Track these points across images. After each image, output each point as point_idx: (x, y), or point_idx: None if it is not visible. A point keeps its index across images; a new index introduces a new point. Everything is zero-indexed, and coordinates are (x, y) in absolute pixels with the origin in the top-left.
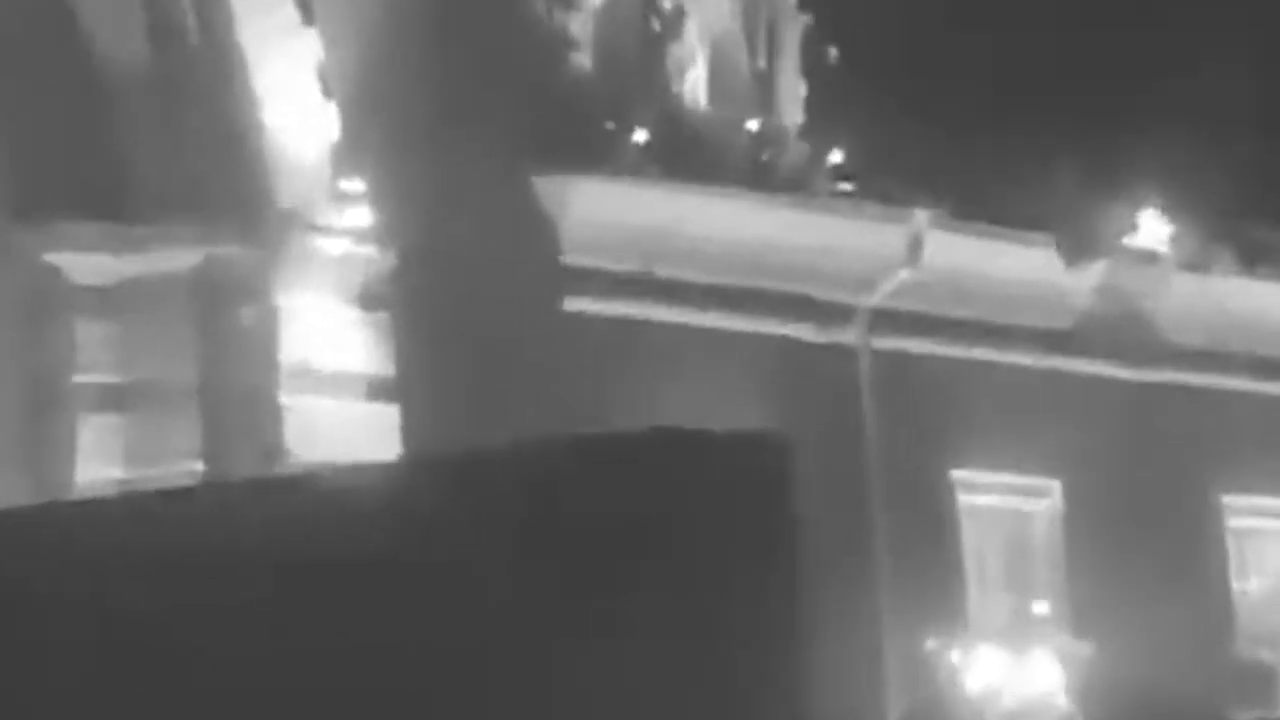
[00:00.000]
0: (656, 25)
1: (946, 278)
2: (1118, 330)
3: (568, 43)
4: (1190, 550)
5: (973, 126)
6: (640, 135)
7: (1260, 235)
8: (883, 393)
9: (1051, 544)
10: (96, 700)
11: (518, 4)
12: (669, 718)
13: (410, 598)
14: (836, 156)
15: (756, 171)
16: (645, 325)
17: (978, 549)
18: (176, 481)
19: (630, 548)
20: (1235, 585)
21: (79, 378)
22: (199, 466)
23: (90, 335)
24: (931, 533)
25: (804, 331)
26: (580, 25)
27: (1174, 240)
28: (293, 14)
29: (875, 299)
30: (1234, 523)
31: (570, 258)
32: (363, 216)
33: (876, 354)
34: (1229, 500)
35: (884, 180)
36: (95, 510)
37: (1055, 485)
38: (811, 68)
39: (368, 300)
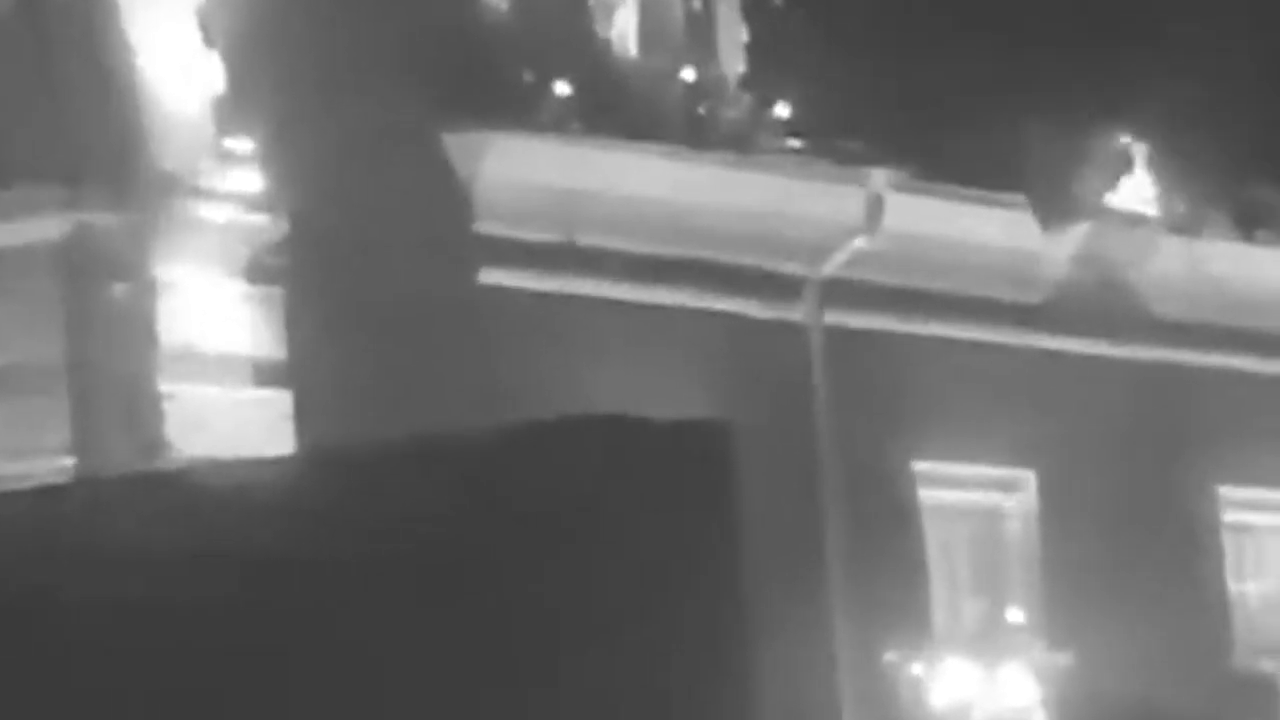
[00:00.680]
0: None
1: (908, 245)
2: (1100, 302)
3: None
4: (1182, 549)
5: (937, 76)
6: (563, 87)
7: (1258, 195)
8: (837, 374)
9: (1026, 543)
10: None
11: None
12: None
13: (303, 602)
14: (783, 110)
15: (693, 127)
16: (570, 300)
17: (943, 549)
18: (43, 478)
19: (559, 545)
20: (1232, 587)
21: None
22: (68, 461)
23: None
24: (892, 531)
25: (748, 306)
26: None
27: (1161, 201)
28: None
29: (828, 269)
30: (1231, 517)
31: (485, 225)
32: (250, 180)
33: (830, 331)
34: (1226, 492)
35: (837, 136)
36: None
37: (1030, 477)
38: (754, 9)
39: (256, 274)
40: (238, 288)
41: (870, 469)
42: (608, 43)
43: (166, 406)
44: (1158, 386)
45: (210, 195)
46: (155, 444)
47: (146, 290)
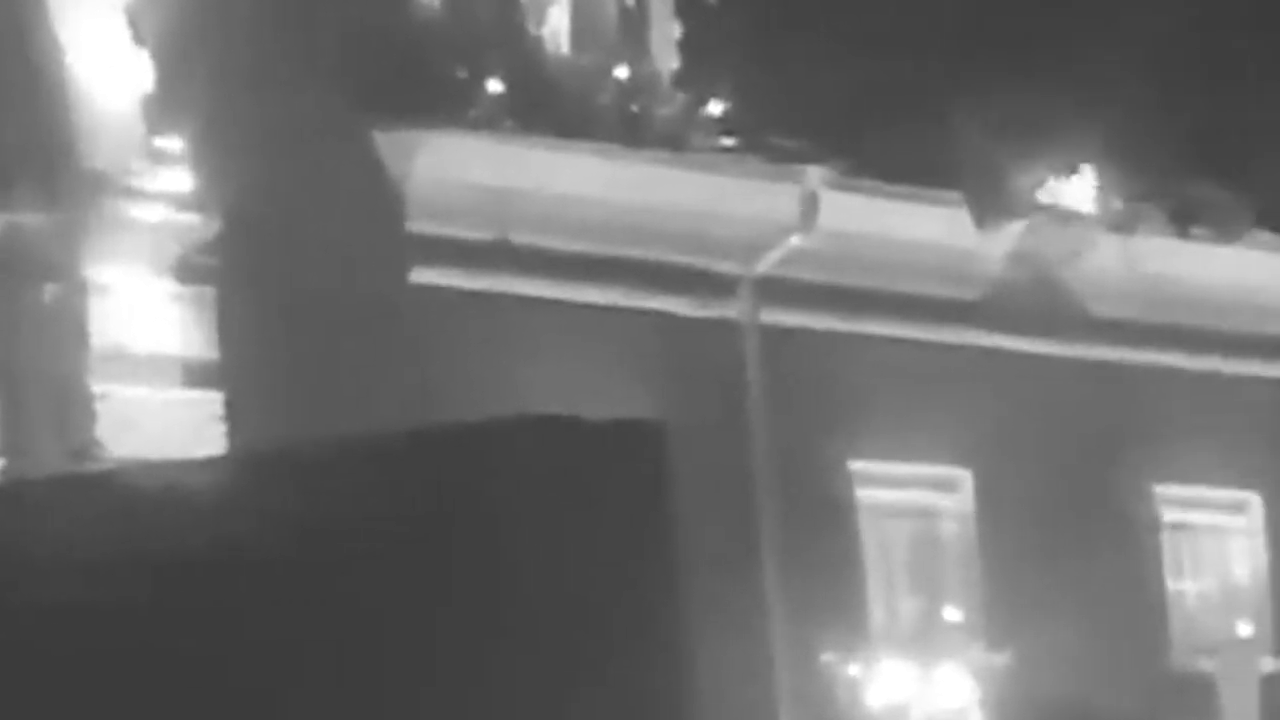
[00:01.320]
0: None
1: (843, 243)
2: (1036, 300)
3: None
4: (1120, 548)
5: (872, 73)
6: (495, 85)
7: (1194, 192)
8: (772, 373)
9: (963, 543)
10: None
11: None
12: None
13: (235, 604)
14: (717, 107)
15: (626, 125)
16: (504, 299)
17: (880, 549)
18: None
19: (492, 545)
20: (1170, 586)
21: None
22: None
23: None
24: (828, 531)
25: (683, 305)
26: None
27: (1098, 199)
28: None
29: (763, 268)
30: (1169, 516)
31: (417, 223)
32: (181, 179)
33: (764, 330)
34: (1163, 491)
35: (771, 134)
36: None
37: (966, 477)
38: (687, 7)
39: (187, 274)
40: (169, 287)
41: (806, 468)
42: (540, 40)
43: (98, 407)
44: (1095, 385)
45: (140, 195)
46: (86, 445)
47: (77, 290)
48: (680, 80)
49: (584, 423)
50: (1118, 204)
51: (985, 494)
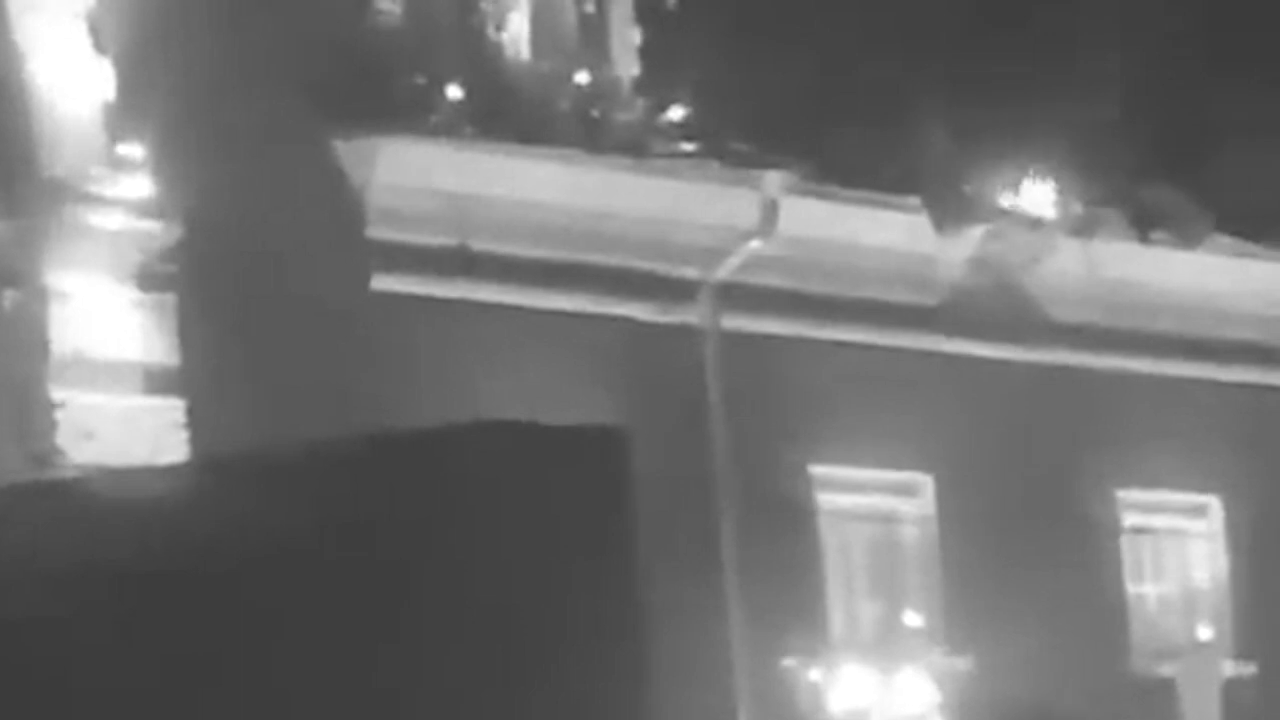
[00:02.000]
0: None
1: (803, 248)
2: (996, 305)
3: None
4: (1081, 552)
5: (832, 78)
6: (455, 91)
7: (1154, 196)
8: (732, 379)
9: (924, 547)
10: None
11: None
12: None
13: (196, 611)
14: (677, 113)
15: (587, 130)
16: (464, 306)
17: (841, 553)
18: None
19: (451, 551)
20: (1131, 591)
21: None
22: None
23: None
24: (788, 536)
25: (643, 311)
26: None
27: (1058, 204)
28: None
29: (723, 273)
30: (1130, 520)
31: (378, 230)
32: (142, 186)
33: (725, 335)
34: (1124, 495)
35: (732, 140)
36: None
37: (927, 481)
38: (647, 12)
39: (148, 280)
40: (130, 294)
41: (767, 473)
42: (499, 46)
43: (58, 414)
44: (1055, 389)
45: (101, 201)
46: (47, 452)
47: (37, 297)
48: (641, 85)
49: (544, 428)
50: (1078, 209)
51: (946, 499)
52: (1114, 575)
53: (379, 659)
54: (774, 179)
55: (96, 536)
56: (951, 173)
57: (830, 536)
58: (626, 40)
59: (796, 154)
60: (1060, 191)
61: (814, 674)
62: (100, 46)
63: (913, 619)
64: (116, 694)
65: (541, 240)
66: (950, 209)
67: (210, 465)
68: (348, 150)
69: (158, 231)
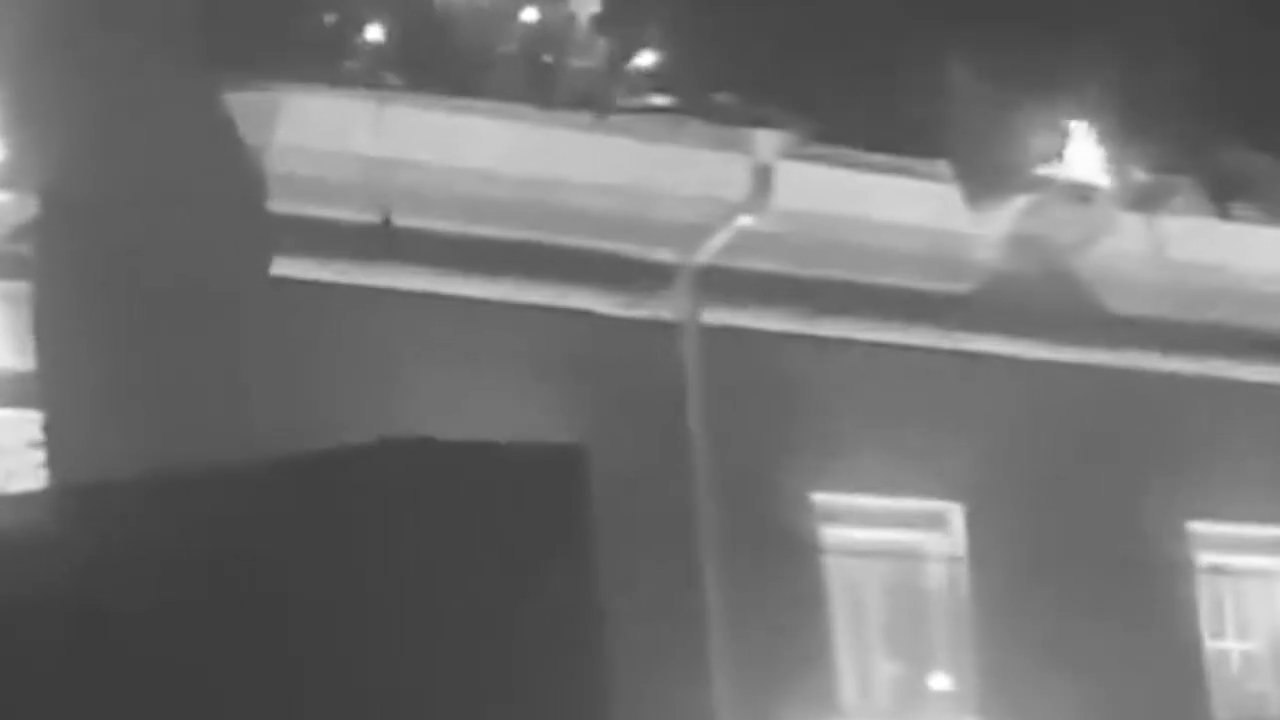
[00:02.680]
0: None
1: (803, 225)
2: (1041, 295)
3: None
4: (1146, 599)
5: (838, 16)
6: (374, 32)
7: (1234, 161)
8: (717, 384)
9: (952, 592)
10: None
11: None
12: None
13: (86, 649)
14: (647, 59)
15: (536, 81)
16: (385, 295)
17: (851, 599)
18: None
19: (394, 579)
20: (1209, 645)
21: None
22: None
23: None
24: (786, 576)
25: (606, 302)
26: None
27: (1114, 171)
28: None
29: (705, 256)
30: (1207, 559)
31: (279, 204)
32: None
33: (707, 331)
34: (1199, 529)
35: (715, 91)
36: None
37: (955, 511)
38: None
39: None
40: None
41: (759, 500)
42: None
43: None
44: (1113, 398)
45: None
46: None
47: None
48: (602, 25)
49: (493, 447)
50: (1140, 176)
51: (978, 533)
52: (1187, 627)
53: (304, 697)
54: (767, 140)
55: None
56: (986, 132)
57: (837, 578)
58: None
59: (794, 109)
60: (1118, 156)
61: None
62: None
63: (939, 680)
64: None
65: (481, 216)
66: (985, 177)
67: (72, 492)
68: (243, 107)
69: (9, 205)
